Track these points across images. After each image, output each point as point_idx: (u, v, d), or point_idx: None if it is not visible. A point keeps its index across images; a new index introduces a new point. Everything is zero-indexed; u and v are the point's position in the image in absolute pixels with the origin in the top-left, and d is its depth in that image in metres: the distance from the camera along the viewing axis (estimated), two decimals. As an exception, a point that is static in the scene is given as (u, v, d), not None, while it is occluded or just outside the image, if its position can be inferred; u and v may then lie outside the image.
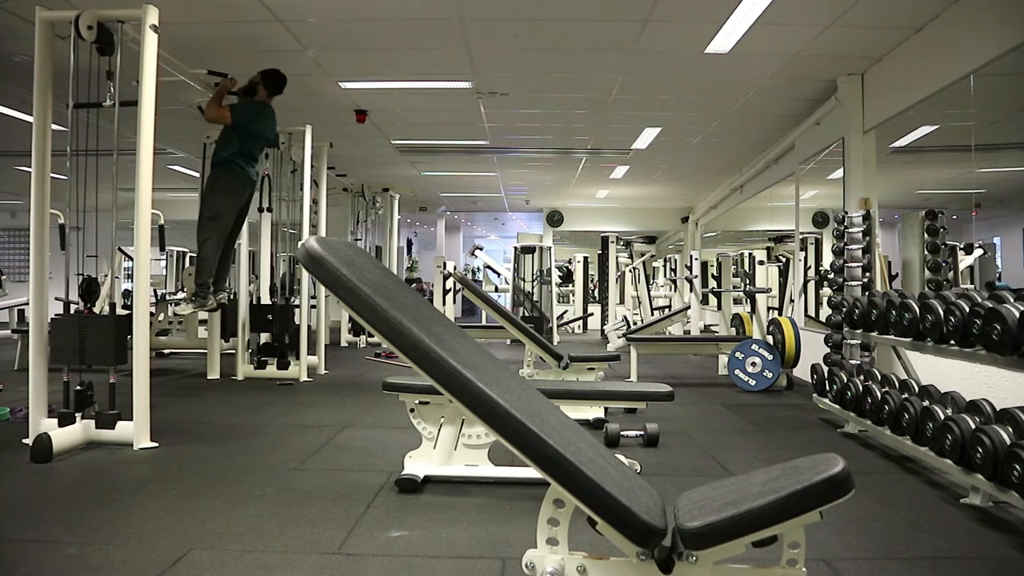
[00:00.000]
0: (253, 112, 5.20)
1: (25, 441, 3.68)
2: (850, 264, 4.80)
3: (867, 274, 4.76)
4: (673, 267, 13.11)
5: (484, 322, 10.98)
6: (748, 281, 11.52)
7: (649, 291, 12.45)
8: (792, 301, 8.29)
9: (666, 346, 7.97)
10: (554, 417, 1.74)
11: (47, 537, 2.46)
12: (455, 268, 11.40)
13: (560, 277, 14.72)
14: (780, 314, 8.96)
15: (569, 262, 15.83)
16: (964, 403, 3.19)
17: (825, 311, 5.74)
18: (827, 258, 7.15)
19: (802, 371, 6.01)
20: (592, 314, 13.88)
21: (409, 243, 18.30)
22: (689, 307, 9.58)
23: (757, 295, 6.98)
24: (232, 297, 6.43)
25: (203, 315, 6.10)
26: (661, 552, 1.50)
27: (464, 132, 8.06)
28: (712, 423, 4.72)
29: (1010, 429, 2.66)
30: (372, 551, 2.38)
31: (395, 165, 9.86)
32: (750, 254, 11.96)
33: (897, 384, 3.81)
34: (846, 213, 4.94)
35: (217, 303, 5.09)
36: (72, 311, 3.89)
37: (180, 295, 9.14)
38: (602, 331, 11.73)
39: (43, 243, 3.84)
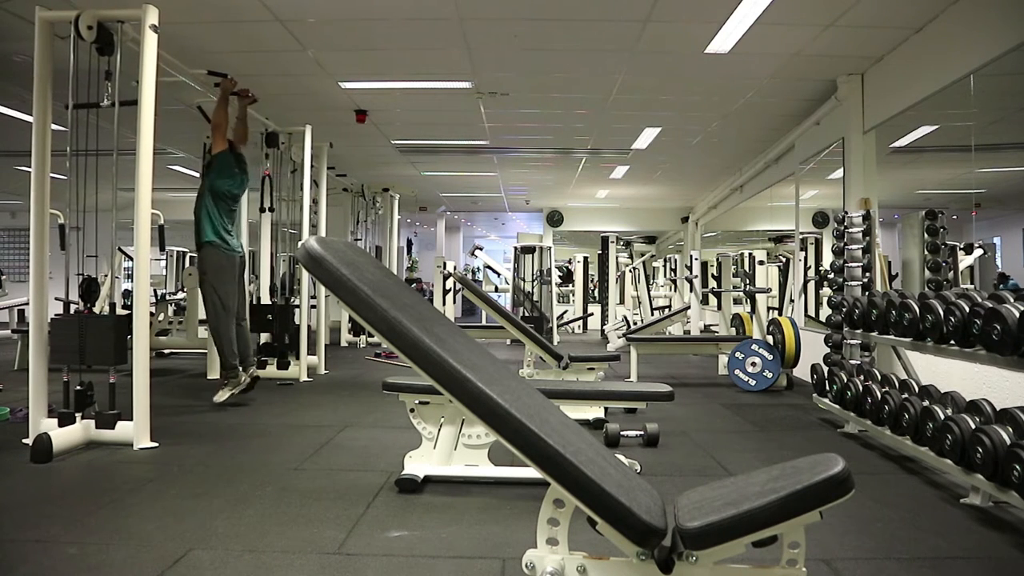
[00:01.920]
0: (227, 165, 5.02)
1: (25, 441, 3.68)
2: (850, 264, 4.80)
3: (867, 274, 4.76)
4: (673, 267, 13.11)
5: (484, 322, 10.98)
6: (748, 281, 11.52)
7: (649, 291, 12.45)
8: (792, 301, 8.30)
9: (666, 346, 7.96)
10: (554, 417, 1.74)
11: (47, 537, 2.46)
12: (455, 268, 11.41)
13: (560, 277, 14.72)
14: (780, 314, 8.96)
15: (569, 262, 15.84)
16: (964, 403, 3.19)
17: (825, 311, 5.74)
18: (827, 258, 7.15)
19: (802, 371, 6.01)
20: (592, 314, 13.88)
21: (409, 243, 18.30)
22: (689, 307, 9.58)
23: (757, 295, 6.98)
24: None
25: (203, 315, 6.09)
26: (661, 552, 1.50)
27: (464, 132, 8.06)
28: (712, 423, 4.71)
29: (1010, 429, 2.66)
30: (372, 551, 2.38)
31: (395, 165, 9.86)
32: (750, 254, 11.97)
33: (897, 384, 3.81)
34: (846, 213, 4.93)
35: (251, 377, 5.06)
36: (72, 311, 3.89)
37: (181, 295, 9.15)
38: (602, 331, 11.73)
39: (43, 243, 3.84)
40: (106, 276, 6.86)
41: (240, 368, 4.97)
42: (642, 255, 13.71)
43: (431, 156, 9.43)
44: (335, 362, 7.69)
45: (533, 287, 11.59)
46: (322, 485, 3.13)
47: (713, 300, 11.12)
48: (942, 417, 3.07)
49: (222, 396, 4.89)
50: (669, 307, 12.02)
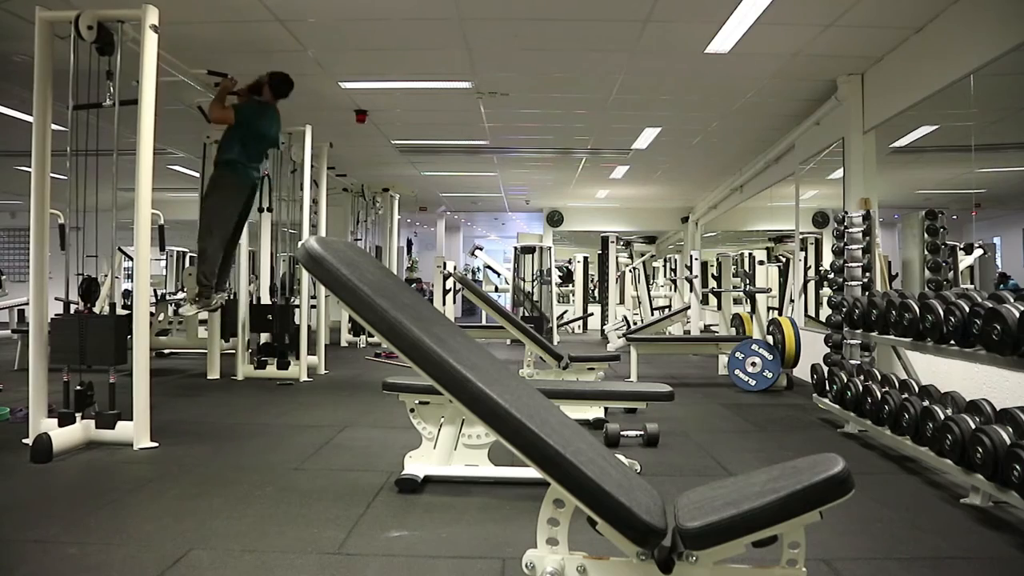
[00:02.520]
0: (257, 113, 5.16)
1: (25, 441, 3.68)
2: (850, 264, 4.80)
3: (867, 274, 4.76)
4: (673, 267, 13.11)
5: (484, 322, 10.98)
6: (748, 281, 11.52)
7: (649, 291, 12.45)
8: (792, 301, 8.29)
9: (666, 346, 7.97)
10: (554, 417, 1.74)
11: (47, 537, 2.46)
12: (455, 268, 11.40)
13: (560, 277, 14.72)
14: (780, 314, 8.96)
15: (569, 262, 15.84)
16: (964, 403, 3.19)
17: (825, 311, 5.74)
18: (827, 258, 7.15)
19: (802, 371, 6.01)
20: (592, 314, 13.88)
21: (409, 243, 18.30)
22: (689, 307, 9.58)
23: (757, 295, 6.98)
24: (232, 297, 6.43)
25: (203, 315, 6.10)
26: (661, 552, 1.50)
27: (464, 132, 8.06)
28: (712, 423, 4.72)
29: (1010, 429, 2.66)
30: (372, 551, 2.38)
31: (395, 165, 9.86)
32: (750, 254, 11.96)
33: (897, 384, 3.81)
34: (846, 213, 4.93)
35: (220, 303, 5.11)
36: (72, 311, 3.89)
37: (181, 295, 9.15)
38: (602, 331, 11.73)
39: (43, 243, 3.84)
40: (106, 276, 6.86)
41: (214, 291, 5.01)
42: (642, 255, 13.70)
43: (431, 156, 9.42)
44: (335, 362, 7.69)
45: (533, 287, 11.59)
46: (322, 485, 3.13)
47: (713, 300, 11.11)
48: (942, 417, 3.07)
49: (188, 310, 5.03)
50: (669, 307, 12.02)
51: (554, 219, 13.97)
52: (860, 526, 2.64)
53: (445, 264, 10.52)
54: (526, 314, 11.10)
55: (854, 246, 4.81)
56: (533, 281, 11.61)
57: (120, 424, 3.76)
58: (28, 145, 3.78)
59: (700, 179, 10.79)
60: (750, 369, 6.08)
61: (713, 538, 1.45)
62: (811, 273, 8.05)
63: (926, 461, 3.31)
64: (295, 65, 5.63)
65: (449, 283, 10.33)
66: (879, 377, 3.98)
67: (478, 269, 19.15)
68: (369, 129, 7.61)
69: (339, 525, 2.61)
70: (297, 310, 6.61)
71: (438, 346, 1.56)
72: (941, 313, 3.19)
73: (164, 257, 12.54)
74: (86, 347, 3.78)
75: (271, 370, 6.39)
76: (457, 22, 4.80)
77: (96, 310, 4.20)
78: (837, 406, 4.32)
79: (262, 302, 6.69)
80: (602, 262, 12.84)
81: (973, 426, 2.85)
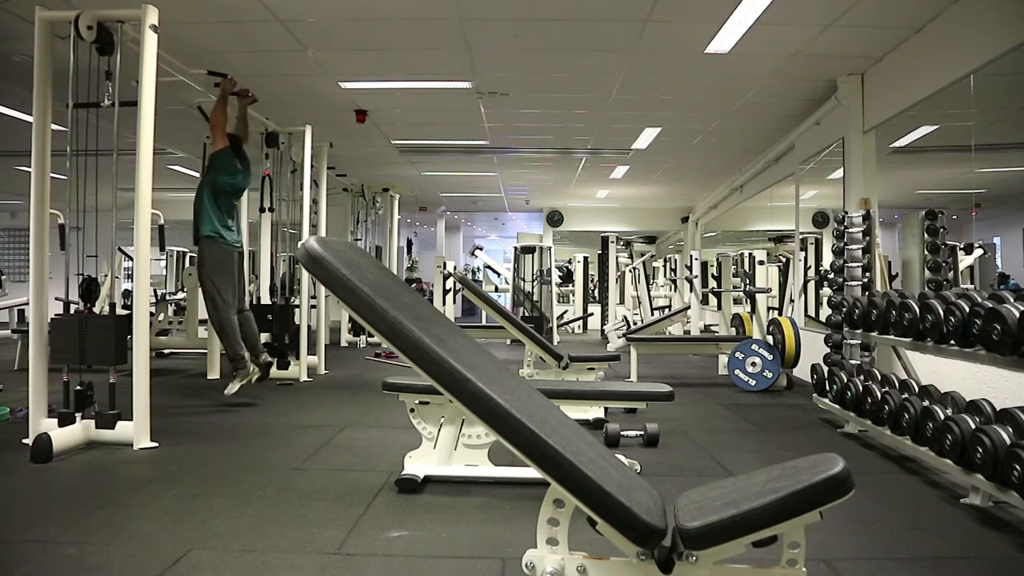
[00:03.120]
0: (230, 164, 4.97)
1: (25, 441, 3.68)
2: (850, 264, 4.80)
3: (867, 274, 4.76)
4: (673, 267, 13.10)
5: (484, 322, 10.99)
6: (748, 281, 11.52)
7: (649, 291, 12.45)
8: (792, 301, 8.29)
9: (666, 346, 7.97)
10: (554, 417, 1.74)
11: (47, 537, 2.46)
12: (455, 268, 11.40)
13: (560, 277, 14.72)
14: (780, 314, 8.96)
15: (569, 262, 15.84)
16: (964, 403, 3.19)
17: (825, 311, 5.74)
18: (827, 258, 7.15)
19: (802, 371, 6.01)
20: (592, 314, 13.88)
21: (409, 243, 18.30)
22: (689, 307, 9.58)
23: (757, 295, 6.98)
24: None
25: (203, 315, 6.08)
26: (661, 552, 1.50)
27: (464, 132, 8.06)
28: (712, 423, 4.71)
29: (1010, 429, 2.66)
30: (372, 551, 2.38)
31: (395, 165, 9.86)
32: (750, 254, 11.97)
33: (897, 384, 3.81)
34: (846, 213, 4.93)
35: (263, 364, 5.03)
36: (72, 311, 3.90)
37: (181, 295, 9.15)
38: (602, 331, 11.73)
39: (43, 243, 3.84)
40: (106, 276, 6.86)
41: (248, 358, 4.93)
42: (642, 255, 13.71)
43: (431, 156, 9.42)
44: (335, 362, 7.69)
45: (533, 287, 11.59)
46: (322, 485, 3.13)
47: (713, 300, 11.12)
48: (942, 417, 3.07)
49: (232, 388, 4.87)
50: (669, 307, 12.02)
51: (554, 219, 13.98)
52: (860, 526, 2.64)
53: (445, 264, 10.52)
54: (526, 314, 11.10)
55: (854, 246, 4.81)
56: (533, 281, 11.61)
57: (120, 424, 3.76)
58: (28, 145, 3.78)
59: (700, 179, 10.79)
60: (750, 369, 6.08)
61: (713, 538, 1.45)
62: (811, 273, 8.05)
63: (926, 461, 3.31)
64: (295, 65, 5.64)
65: (449, 283, 10.33)
66: (879, 377, 3.98)
67: (478, 269, 19.14)
68: (369, 129, 7.61)
69: (339, 525, 2.61)
70: (297, 310, 6.61)
71: (438, 346, 1.56)
72: (941, 313, 3.19)
73: (164, 257, 12.55)
74: (86, 347, 3.78)
75: (271, 370, 6.38)
76: (457, 22, 4.80)
77: (96, 310, 4.20)
78: (837, 406, 4.32)
79: (262, 302, 6.70)
80: (602, 262, 12.83)
81: (973, 426, 2.85)
